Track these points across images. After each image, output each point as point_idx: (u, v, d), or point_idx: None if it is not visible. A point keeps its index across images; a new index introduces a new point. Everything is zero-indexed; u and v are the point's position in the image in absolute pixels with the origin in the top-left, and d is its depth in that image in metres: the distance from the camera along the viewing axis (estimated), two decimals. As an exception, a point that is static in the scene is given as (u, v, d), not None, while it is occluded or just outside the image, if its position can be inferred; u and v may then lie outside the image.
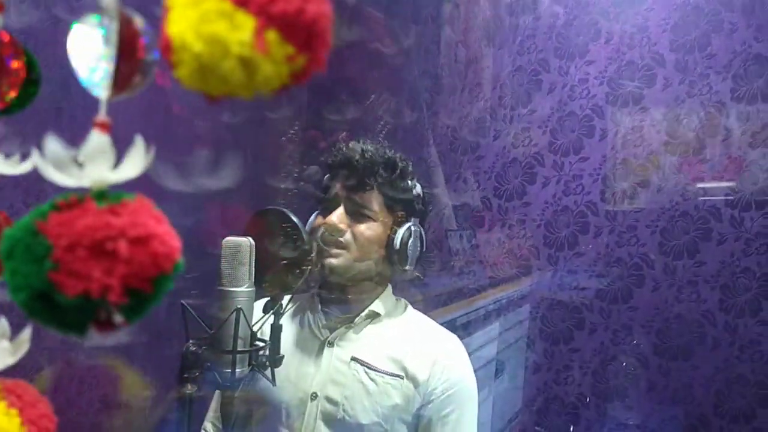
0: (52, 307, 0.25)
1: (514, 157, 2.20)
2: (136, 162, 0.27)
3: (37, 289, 0.25)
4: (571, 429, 2.17)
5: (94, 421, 1.32)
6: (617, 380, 2.04)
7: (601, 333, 2.07)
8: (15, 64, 0.29)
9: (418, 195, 1.28)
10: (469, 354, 1.84)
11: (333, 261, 1.21)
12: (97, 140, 0.26)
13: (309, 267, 1.20)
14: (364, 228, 1.22)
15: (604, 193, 2.06)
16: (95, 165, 0.26)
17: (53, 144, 0.26)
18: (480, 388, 1.94)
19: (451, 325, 1.66)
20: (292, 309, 1.34)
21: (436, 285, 2.17)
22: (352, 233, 1.21)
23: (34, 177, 0.30)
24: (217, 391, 1.33)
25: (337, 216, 1.21)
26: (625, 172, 2.03)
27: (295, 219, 1.18)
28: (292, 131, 1.32)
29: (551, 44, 2.14)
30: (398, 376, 1.21)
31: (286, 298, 1.19)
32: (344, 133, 1.62)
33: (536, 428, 2.25)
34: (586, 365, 2.08)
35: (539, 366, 2.16)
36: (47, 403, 0.32)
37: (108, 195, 0.27)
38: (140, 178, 0.28)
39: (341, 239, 1.20)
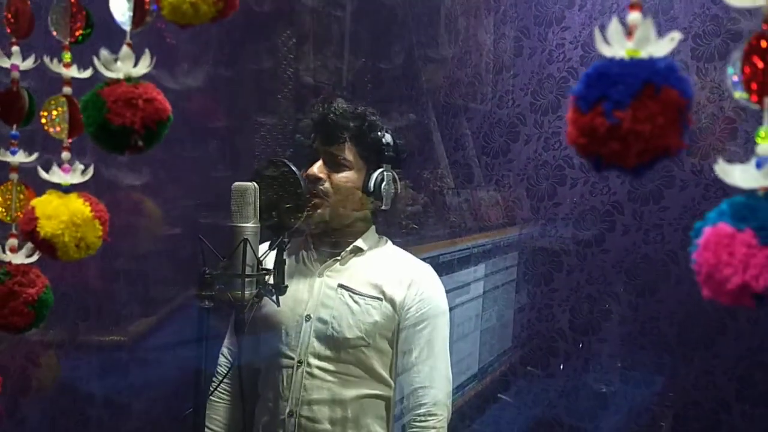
0: (106, 134, 0.51)
1: (500, 118, 2.42)
2: (144, 65, 0.53)
3: (99, 123, 0.50)
4: (560, 367, 2.41)
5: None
6: (591, 316, 2.27)
7: (577, 274, 2.29)
8: (80, 13, 0.54)
9: (388, 143, 1.48)
10: (457, 288, 2.08)
11: (317, 210, 1.43)
12: (126, 51, 0.52)
13: (308, 211, 1.44)
14: (340, 176, 1.43)
15: (579, 148, 2.27)
16: (125, 64, 0.52)
17: (104, 52, 0.51)
18: (466, 321, 2.20)
19: (435, 261, 1.89)
20: (289, 250, 1.57)
21: (430, 235, 2.40)
22: (330, 181, 1.43)
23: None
24: (231, 320, 1.57)
25: (317, 167, 1.43)
26: (598, 128, 2.24)
27: (294, 169, 1.43)
28: (286, 89, 1.56)
29: (531, 12, 2.34)
30: (378, 298, 1.44)
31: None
32: (329, 95, 1.86)
33: (528, 368, 2.49)
34: (564, 303, 2.31)
35: (523, 306, 2.40)
36: (104, 205, 0.58)
37: (133, 79, 0.52)
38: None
39: (321, 187, 1.43)
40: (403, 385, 1.48)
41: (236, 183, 1.35)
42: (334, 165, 1.44)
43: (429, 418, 1.44)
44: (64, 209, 0.55)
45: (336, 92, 1.89)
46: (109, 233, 0.59)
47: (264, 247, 1.39)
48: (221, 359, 1.57)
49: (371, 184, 1.44)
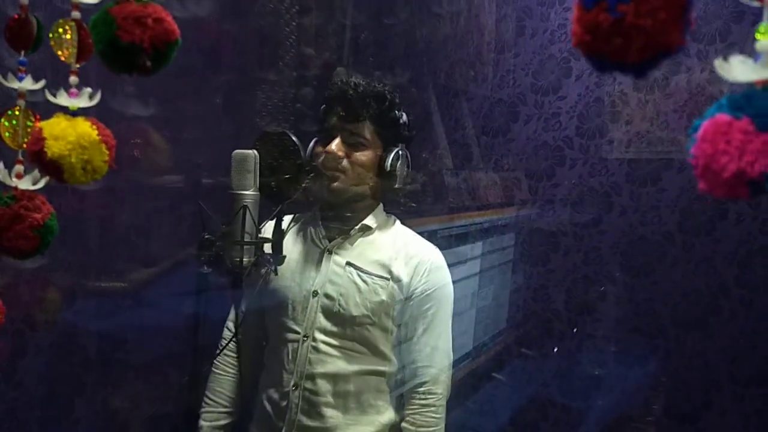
0: (115, 52, 0.52)
1: (500, 98, 2.43)
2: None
3: (108, 39, 0.51)
4: (555, 350, 2.43)
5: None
6: (587, 297, 2.28)
7: (574, 255, 2.31)
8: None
9: (404, 123, 1.48)
10: (453, 265, 2.09)
11: (334, 185, 1.42)
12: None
13: (306, 183, 1.44)
14: (359, 155, 1.42)
15: (579, 129, 2.29)
16: (136, -15, 0.52)
17: (114, -29, 0.52)
18: (462, 299, 2.21)
19: (433, 236, 1.90)
20: (296, 225, 1.58)
21: (428, 214, 2.40)
22: (348, 160, 1.42)
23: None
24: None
25: (336, 145, 1.41)
26: (598, 109, 2.25)
27: (295, 140, 1.43)
28: (287, 57, 1.56)
29: (534, -8, 2.35)
30: (385, 278, 1.45)
31: (288, 217, 1.43)
32: (337, 67, 1.86)
33: (522, 350, 2.51)
34: (560, 284, 2.33)
35: (520, 286, 2.42)
36: (110, 132, 0.59)
37: (143, 0, 0.53)
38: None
39: (340, 166, 1.41)
40: (404, 361, 1.50)
41: (236, 151, 1.35)
42: (353, 143, 1.42)
43: (428, 396, 1.46)
44: (72, 131, 0.55)
45: (339, 64, 1.89)
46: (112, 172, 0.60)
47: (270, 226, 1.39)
48: (225, 332, 1.58)
49: (388, 163, 1.44)
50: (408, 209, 2.34)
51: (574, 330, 2.35)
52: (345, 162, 1.42)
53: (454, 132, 2.52)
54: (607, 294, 2.26)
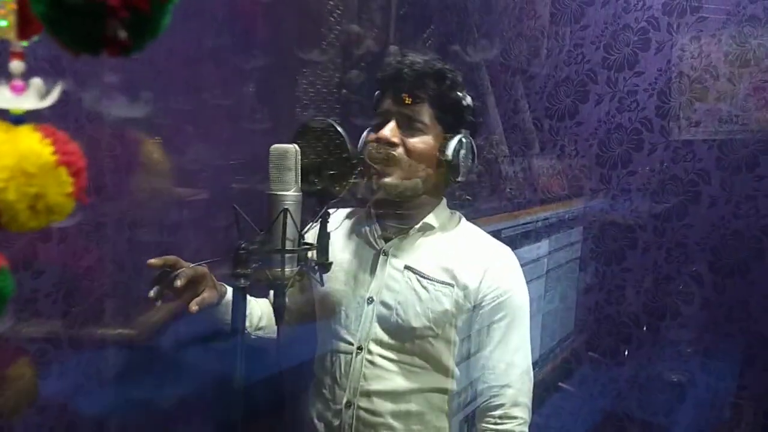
0: (64, 15, 0.30)
1: (567, 76, 2.16)
2: None
3: (50, -7, 0.29)
4: (626, 353, 2.18)
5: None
6: (670, 299, 2.02)
7: (654, 252, 2.04)
8: None
9: (468, 106, 1.28)
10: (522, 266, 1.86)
11: (385, 179, 1.23)
12: None
13: (354, 179, 1.24)
14: (416, 141, 1.23)
15: (659, 109, 2.01)
16: None
17: None
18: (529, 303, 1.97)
19: (496, 236, 1.68)
20: (350, 222, 1.39)
21: (485, 207, 2.18)
22: (404, 147, 1.23)
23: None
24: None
25: (390, 130, 1.23)
26: (682, 86, 1.97)
27: (341, 130, 1.22)
28: (332, 35, 1.35)
29: (605, -45, 2.06)
30: (449, 284, 1.25)
31: (340, 212, 1.25)
32: (391, 46, 1.64)
33: (589, 353, 2.26)
34: (638, 285, 2.07)
35: (591, 287, 2.16)
36: (78, 146, 0.37)
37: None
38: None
39: (393, 153, 1.22)
40: (475, 381, 1.30)
41: (275, 145, 1.16)
42: (409, 128, 1.24)
43: (506, 422, 1.25)
44: (11, 149, 0.34)
45: (387, 42, 1.66)
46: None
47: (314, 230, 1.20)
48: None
49: (450, 152, 1.24)
50: (462, 202, 2.12)
51: (645, 328, 2.09)
52: (399, 150, 1.23)
53: (514, 115, 2.27)
54: (694, 295, 1.99)
